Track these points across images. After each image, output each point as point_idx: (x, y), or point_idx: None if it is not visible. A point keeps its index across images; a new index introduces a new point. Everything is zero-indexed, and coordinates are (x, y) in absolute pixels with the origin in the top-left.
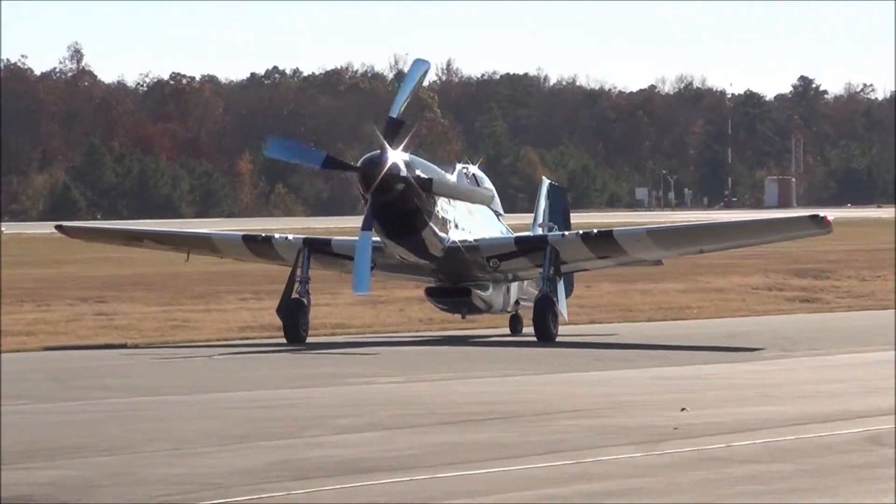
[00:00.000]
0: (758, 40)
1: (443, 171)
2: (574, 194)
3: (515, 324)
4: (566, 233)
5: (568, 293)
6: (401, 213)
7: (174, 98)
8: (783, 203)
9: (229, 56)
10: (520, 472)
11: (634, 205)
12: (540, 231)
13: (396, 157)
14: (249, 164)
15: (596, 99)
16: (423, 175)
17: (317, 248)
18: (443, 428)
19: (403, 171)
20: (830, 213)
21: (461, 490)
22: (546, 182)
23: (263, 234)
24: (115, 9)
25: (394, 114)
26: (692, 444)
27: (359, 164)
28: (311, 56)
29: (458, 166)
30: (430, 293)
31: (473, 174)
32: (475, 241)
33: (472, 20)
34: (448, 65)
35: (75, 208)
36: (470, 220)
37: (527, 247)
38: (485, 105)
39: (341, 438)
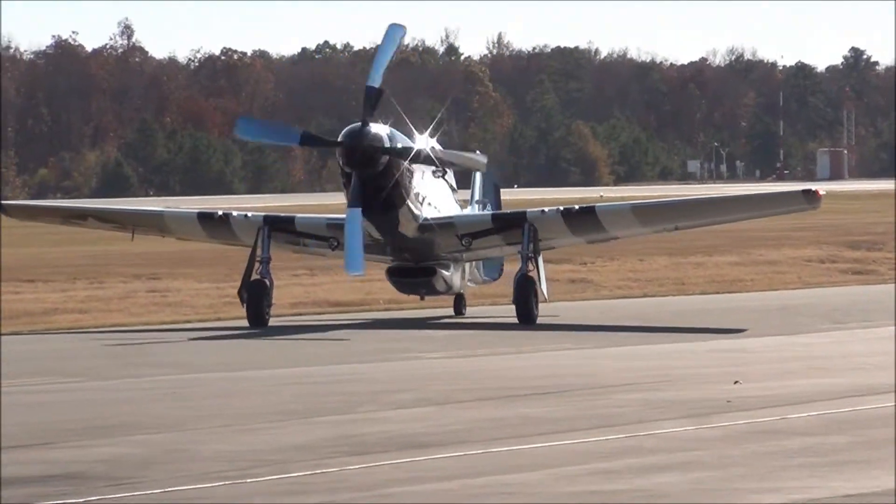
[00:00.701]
0: (809, 11)
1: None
2: (626, 168)
3: (459, 304)
4: (546, 209)
5: (497, 275)
6: (381, 188)
7: (226, 74)
8: (835, 175)
9: (280, 31)
10: (572, 447)
11: (686, 178)
12: (477, 208)
13: (378, 129)
14: None
15: (647, 72)
16: (405, 146)
17: (278, 227)
18: (495, 403)
19: (387, 143)
20: (882, 184)
21: (513, 465)
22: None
23: (221, 212)
24: None
25: (374, 83)
26: (745, 417)
27: (340, 139)
28: (362, 30)
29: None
30: (393, 273)
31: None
32: (450, 217)
33: None
34: (499, 38)
35: (127, 184)
36: (437, 196)
37: (503, 224)
38: (536, 78)
39: (395, 414)
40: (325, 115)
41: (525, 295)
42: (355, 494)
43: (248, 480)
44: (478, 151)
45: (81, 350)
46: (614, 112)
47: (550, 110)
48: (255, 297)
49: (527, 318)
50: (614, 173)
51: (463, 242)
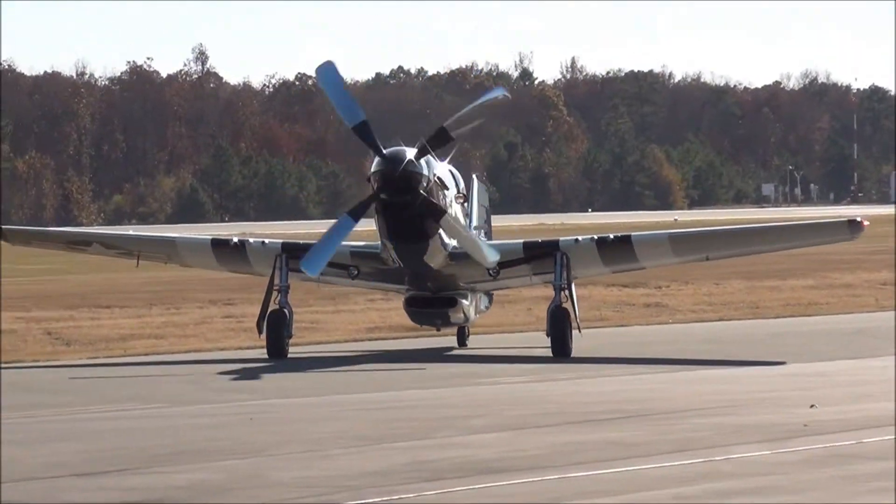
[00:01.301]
0: (883, 34)
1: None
2: (700, 191)
3: (463, 335)
4: (580, 238)
5: (490, 304)
6: (415, 217)
7: (300, 99)
8: None
9: (355, 57)
10: (649, 472)
11: (761, 201)
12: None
13: (424, 158)
14: None
15: (721, 95)
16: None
17: (297, 255)
18: (571, 427)
19: (429, 176)
20: None
21: (590, 490)
22: (476, 180)
23: (237, 239)
24: (240, 10)
25: (450, 127)
26: (822, 441)
27: (384, 154)
28: (435, 56)
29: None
30: (414, 303)
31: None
32: None
33: (596, 18)
34: (573, 63)
35: (202, 210)
36: (460, 223)
37: (535, 253)
38: (610, 102)
39: (471, 439)
40: (399, 140)
41: (561, 328)
42: None
43: None
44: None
45: (158, 376)
46: (688, 136)
47: (624, 134)
48: (275, 328)
49: (562, 351)
50: (688, 197)
51: (490, 272)
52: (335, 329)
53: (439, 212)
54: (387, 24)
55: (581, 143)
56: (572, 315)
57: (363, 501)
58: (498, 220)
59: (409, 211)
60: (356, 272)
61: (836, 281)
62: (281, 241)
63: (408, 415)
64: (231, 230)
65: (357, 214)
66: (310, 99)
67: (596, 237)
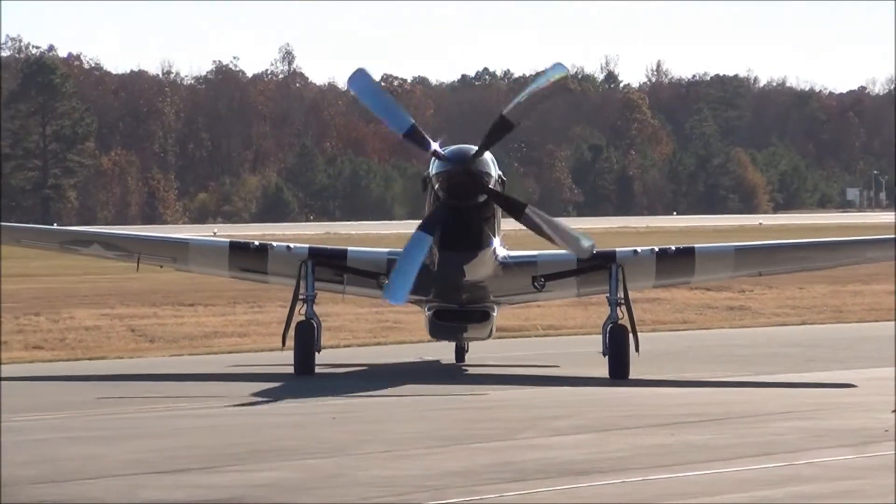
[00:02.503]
0: None
1: None
2: (784, 195)
3: (462, 351)
4: (639, 249)
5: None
6: (476, 223)
7: None
8: None
9: (440, 58)
10: (732, 475)
11: (845, 205)
12: None
13: (489, 160)
14: None
15: (806, 100)
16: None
17: (325, 262)
18: (653, 430)
19: (495, 179)
20: None
21: (673, 492)
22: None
23: (258, 242)
24: (327, 10)
25: (510, 115)
26: None
27: (446, 155)
28: (522, 58)
29: None
30: (444, 317)
31: None
32: (533, 256)
33: (682, 21)
34: (658, 66)
35: (287, 209)
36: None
37: (589, 264)
38: (695, 106)
39: (555, 440)
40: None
41: (621, 348)
42: None
43: None
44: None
45: (242, 374)
46: (773, 140)
47: (709, 137)
48: (305, 340)
49: (621, 372)
50: (773, 201)
51: (536, 285)
52: (417, 329)
53: (520, 206)
54: (473, 25)
55: (666, 146)
56: (631, 333)
57: (445, 501)
58: (583, 223)
59: (475, 214)
60: (385, 282)
61: None
62: (307, 245)
63: (491, 415)
64: (316, 230)
65: (431, 228)
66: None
67: (657, 249)
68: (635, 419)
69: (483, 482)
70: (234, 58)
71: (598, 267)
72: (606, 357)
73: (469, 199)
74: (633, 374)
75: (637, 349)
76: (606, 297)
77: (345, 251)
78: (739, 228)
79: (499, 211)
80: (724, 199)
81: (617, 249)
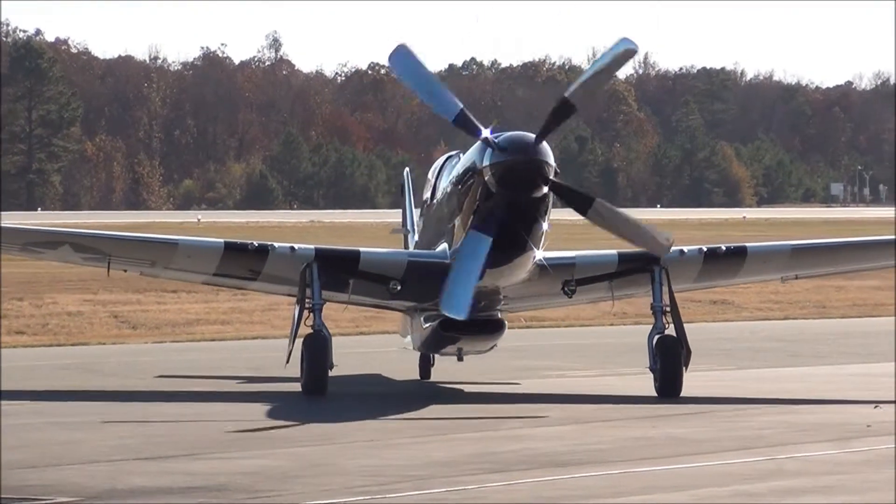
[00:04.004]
0: None
1: None
2: (769, 189)
3: (428, 364)
4: (686, 249)
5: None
6: (532, 220)
7: (372, 88)
8: None
9: (428, 47)
10: (713, 468)
11: (829, 200)
12: (416, 238)
13: (549, 150)
14: None
15: (792, 94)
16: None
17: (334, 264)
18: (636, 422)
19: (554, 170)
20: None
21: (655, 485)
22: (407, 174)
23: (257, 243)
24: None
25: (572, 96)
26: (886, 442)
27: (503, 143)
28: (508, 48)
29: None
30: (452, 327)
31: None
32: (571, 258)
33: (669, 14)
34: (645, 58)
35: (271, 197)
36: None
37: (630, 266)
38: (681, 99)
39: (539, 431)
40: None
41: (674, 363)
42: None
43: (388, 496)
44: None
45: (225, 362)
46: (759, 134)
47: (695, 131)
48: (317, 355)
49: (673, 390)
50: (757, 195)
51: (567, 290)
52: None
53: (587, 199)
54: (461, 15)
55: (651, 139)
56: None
57: (427, 491)
58: (566, 214)
59: (533, 210)
60: (398, 287)
61: None
62: (314, 246)
63: (475, 406)
64: (299, 218)
65: (489, 226)
66: (381, 88)
67: (705, 249)
68: (618, 411)
69: (466, 473)
70: (222, 44)
71: (638, 269)
72: (653, 371)
73: (530, 193)
74: (613, 366)
75: (687, 363)
76: (651, 304)
77: (357, 252)
78: (724, 222)
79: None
80: (709, 192)
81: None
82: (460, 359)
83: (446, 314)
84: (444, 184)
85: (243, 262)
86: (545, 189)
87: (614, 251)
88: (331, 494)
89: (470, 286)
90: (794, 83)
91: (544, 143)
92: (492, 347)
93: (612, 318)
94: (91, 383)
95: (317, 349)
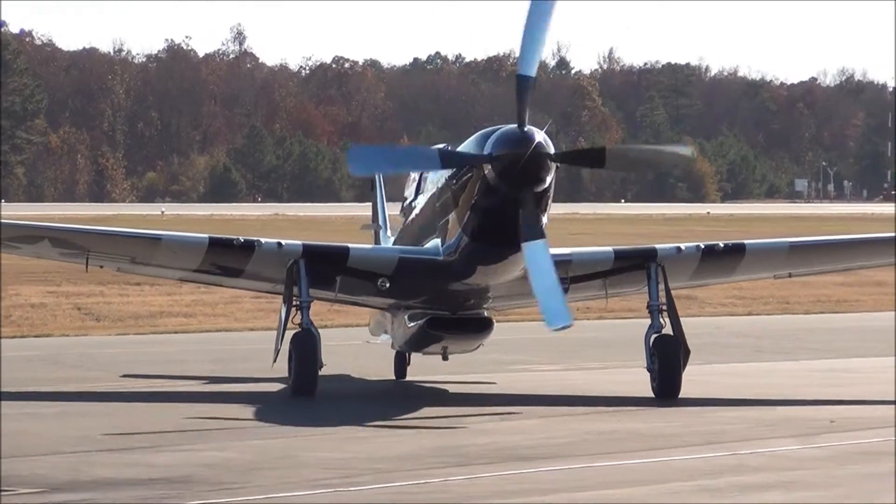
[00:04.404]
0: None
1: None
2: (733, 185)
3: (404, 363)
4: (683, 246)
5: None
6: (540, 213)
7: (336, 82)
8: None
9: (392, 41)
10: (676, 463)
11: (793, 196)
12: (388, 233)
13: (538, 131)
14: None
15: (757, 90)
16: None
17: (322, 260)
18: (600, 417)
19: (552, 153)
20: None
21: (617, 480)
22: None
23: (243, 238)
24: None
25: (526, 71)
26: (849, 438)
27: (497, 146)
28: (473, 42)
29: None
30: (438, 325)
31: None
32: (567, 255)
33: (634, 9)
34: (610, 53)
35: (235, 190)
36: None
37: (626, 264)
38: (646, 94)
39: (502, 426)
40: (435, 125)
41: (672, 363)
42: None
43: (351, 489)
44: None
45: (188, 354)
46: (723, 129)
47: (659, 126)
48: (306, 355)
49: (671, 391)
50: (721, 190)
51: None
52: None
53: (599, 152)
54: (426, 10)
55: (615, 134)
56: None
57: (390, 484)
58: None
59: (538, 202)
60: (386, 285)
61: (868, 279)
62: (301, 242)
63: (440, 400)
64: (263, 211)
65: (539, 230)
66: (346, 81)
67: (703, 245)
68: (583, 405)
69: (430, 466)
70: (186, 37)
71: (634, 266)
72: (650, 372)
73: (532, 187)
74: (577, 361)
75: (685, 363)
76: (647, 303)
77: (346, 249)
78: (688, 217)
79: None
80: (673, 187)
81: (658, 246)
82: (445, 358)
83: (552, 329)
84: (434, 178)
85: (227, 259)
86: (547, 183)
87: (610, 248)
88: (293, 487)
89: (558, 291)
90: (758, 79)
91: (534, 130)
92: (478, 346)
93: (576, 312)
94: (54, 375)
95: (306, 348)
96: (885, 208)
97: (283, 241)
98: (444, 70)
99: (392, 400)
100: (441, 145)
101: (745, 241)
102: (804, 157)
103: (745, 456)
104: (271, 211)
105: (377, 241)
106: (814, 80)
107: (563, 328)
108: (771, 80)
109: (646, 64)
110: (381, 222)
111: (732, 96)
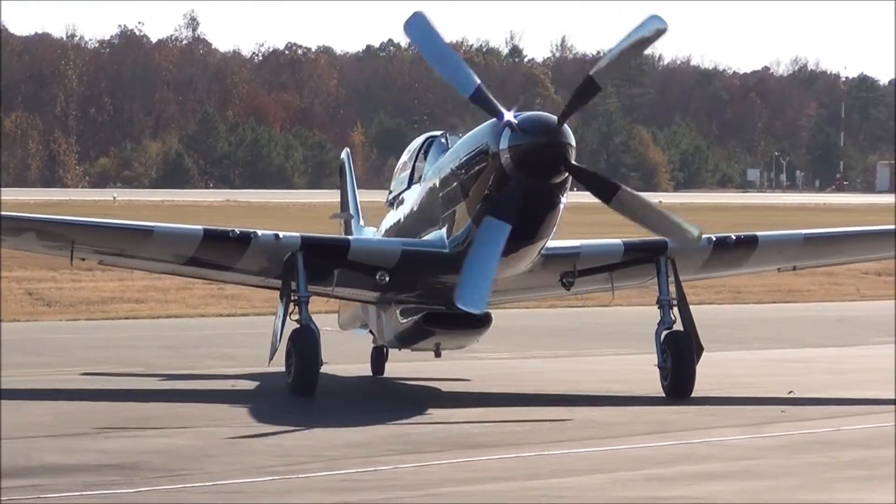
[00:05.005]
0: (873, 24)
1: None
2: (685, 174)
3: (382, 359)
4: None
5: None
6: (552, 208)
7: (289, 68)
8: (894, 188)
9: (345, 28)
10: (626, 452)
11: (746, 186)
12: (361, 222)
13: (571, 132)
14: (362, 136)
15: (710, 79)
16: None
17: (320, 253)
18: (552, 405)
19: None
20: None
21: (568, 468)
22: (348, 154)
23: (238, 230)
24: None
25: (599, 77)
26: (800, 428)
27: (523, 124)
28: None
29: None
30: (432, 322)
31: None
32: (576, 248)
33: None
34: (562, 41)
35: (187, 176)
36: None
37: (636, 257)
38: None
39: (454, 413)
40: (388, 112)
41: (685, 360)
42: (406, 493)
43: (300, 476)
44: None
45: (140, 340)
46: (676, 118)
47: (612, 115)
48: (307, 352)
49: (684, 389)
50: (674, 179)
51: (565, 281)
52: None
53: (612, 187)
54: None
55: (570, 122)
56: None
57: (339, 472)
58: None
59: (552, 196)
60: (386, 278)
61: (819, 269)
62: (299, 234)
63: (391, 388)
64: (216, 197)
65: (508, 214)
66: (299, 68)
67: (714, 238)
68: (535, 393)
69: (379, 453)
70: (139, 22)
71: (643, 260)
72: (661, 369)
73: (552, 178)
74: (531, 349)
75: (697, 359)
76: (657, 298)
77: (347, 241)
78: None
79: None
80: (625, 176)
81: (668, 239)
82: (437, 354)
83: (462, 308)
84: (439, 165)
85: (221, 251)
86: (566, 174)
87: (619, 240)
88: (242, 474)
89: (488, 278)
90: (711, 68)
91: (566, 125)
92: (467, 346)
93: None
94: (4, 360)
95: (307, 346)
96: (837, 198)
97: (280, 233)
98: (396, 57)
99: (346, 388)
100: (438, 133)
101: (758, 234)
102: (757, 146)
103: (695, 445)
104: (223, 197)
105: (348, 231)
106: (767, 69)
107: (476, 311)
108: (724, 70)
109: (599, 52)
110: (352, 211)
111: (685, 85)
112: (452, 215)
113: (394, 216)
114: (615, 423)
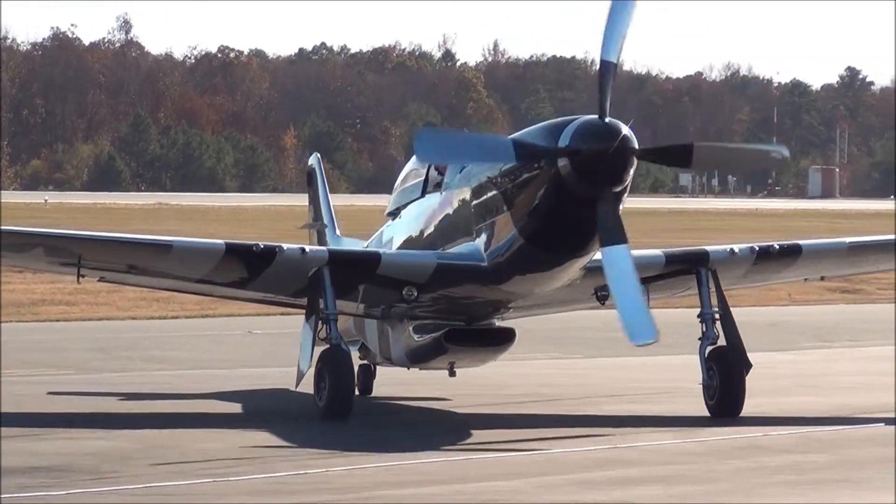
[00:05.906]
0: (805, 30)
1: None
2: None
3: (370, 377)
4: (736, 248)
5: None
6: (613, 214)
7: (221, 71)
8: (826, 193)
9: (277, 31)
10: (553, 455)
11: (678, 191)
12: (337, 232)
13: (624, 125)
14: (294, 139)
15: (643, 84)
16: None
17: (348, 267)
18: (483, 409)
19: (637, 148)
20: (874, 203)
21: (495, 472)
22: (318, 159)
23: (262, 244)
24: None
25: (610, 56)
26: (729, 433)
27: (582, 129)
28: (359, 33)
29: None
30: (454, 339)
31: None
32: None
33: (520, 2)
34: (495, 45)
35: (119, 179)
36: None
37: (675, 269)
38: (531, 87)
39: (384, 418)
40: (320, 115)
41: (734, 378)
42: (338, 497)
43: (231, 479)
44: None
45: (71, 342)
46: None
47: (545, 119)
48: (341, 372)
49: (734, 410)
50: None
51: (599, 295)
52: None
53: (685, 149)
54: (312, 1)
55: (500, 127)
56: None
57: (271, 475)
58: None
59: (615, 203)
60: (414, 293)
61: None
62: (326, 248)
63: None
64: (147, 200)
65: (612, 235)
66: (231, 71)
67: (757, 247)
68: (466, 398)
69: (310, 456)
70: (72, 25)
71: (683, 272)
72: (706, 388)
73: (613, 186)
74: None
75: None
76: (699, 311)
77: (378, 255)
78: None
79: None
80: None
81: (709, 249)
82: (452, 374)
83: (636, 345)
84: (470, 173)
85: (242, 267)
86: (628, 181)
87: (660, 251)
88: (173, 476)
89: (641, 304)
90: (644, 73)
91: (629, 128)
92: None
93: None
94: None
95: (340, 366)
96: (769, 204)
97: (306, 247)
98: (329, 61)
99: (284, 392)
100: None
101: (801, 242)
102: None
103: (622, 450)
104: (154, 200)
105: (321, 242)
106: (700, 74)
107: (648, 344)
108: (657, 75)
109: (531, 57)
110: (326, 220)
111: (618, 90)
112: (491, 226)
113: (405, 227)
114: (543, 426)
